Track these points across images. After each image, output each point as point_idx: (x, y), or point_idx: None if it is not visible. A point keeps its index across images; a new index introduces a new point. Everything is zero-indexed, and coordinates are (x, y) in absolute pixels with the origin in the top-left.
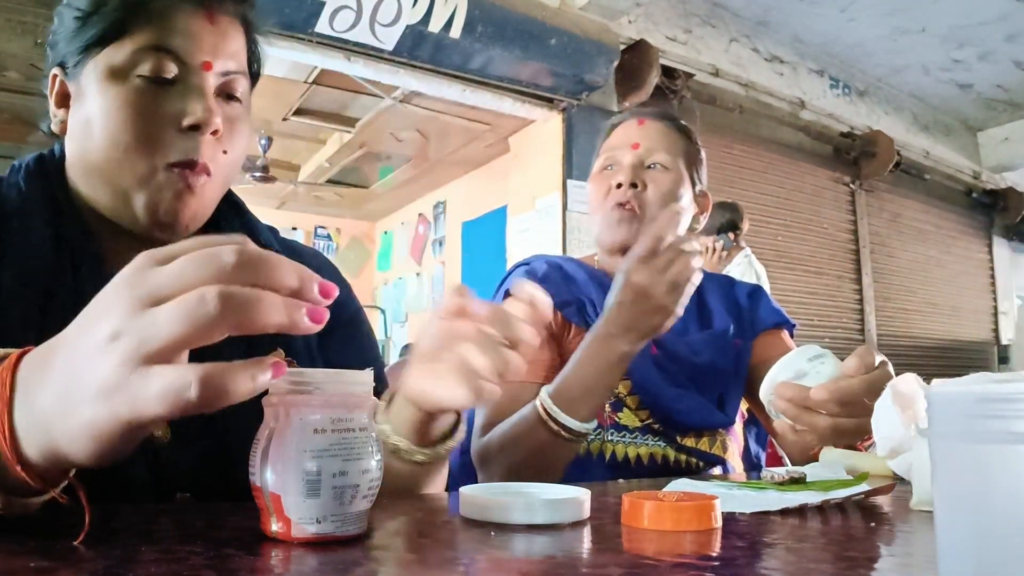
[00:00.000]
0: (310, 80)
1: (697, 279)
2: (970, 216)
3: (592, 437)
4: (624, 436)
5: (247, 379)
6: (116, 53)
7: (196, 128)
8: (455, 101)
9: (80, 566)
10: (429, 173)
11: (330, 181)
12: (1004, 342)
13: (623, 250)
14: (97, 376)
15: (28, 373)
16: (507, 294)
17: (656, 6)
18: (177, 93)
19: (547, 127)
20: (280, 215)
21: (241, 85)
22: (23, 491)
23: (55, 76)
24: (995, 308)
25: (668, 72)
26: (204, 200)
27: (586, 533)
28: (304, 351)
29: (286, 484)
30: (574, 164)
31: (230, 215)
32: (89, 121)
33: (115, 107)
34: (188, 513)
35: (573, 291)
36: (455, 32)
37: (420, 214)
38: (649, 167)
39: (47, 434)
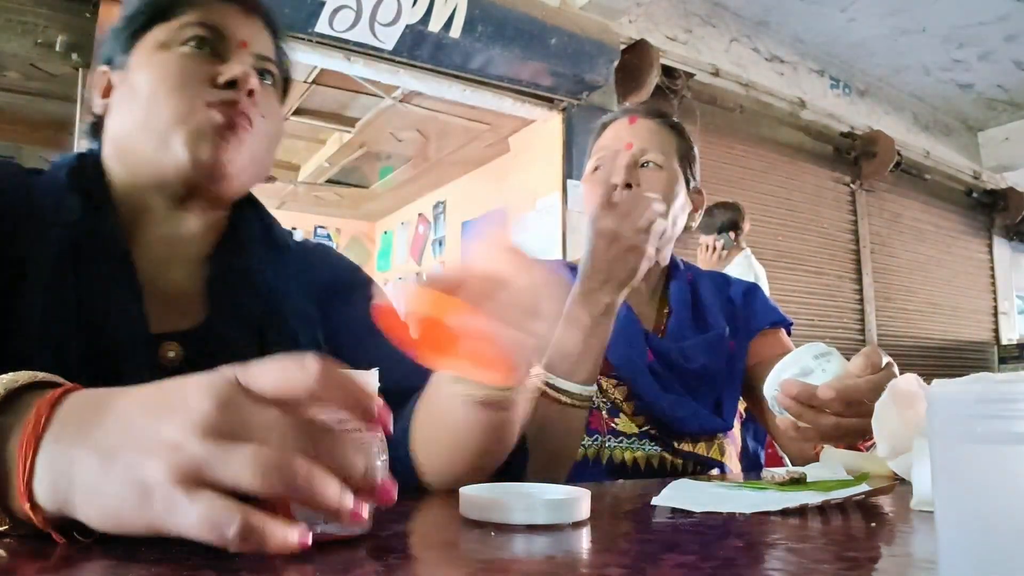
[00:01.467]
0: (310, 80)
1: (660, 226)
2: (970, 216)
3: (590, 443)
4: (622, 441)
5: (280, 538)
6: (161, 32)
7: (233, 84)
8: (455, 101)
9: (80, 566)
10: (429, 173)
11: (330, 181)
12: (1004, 342)
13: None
14: (137, 472)
15: (68, 418)
16: None
17: (656, 6)
18: (217, 60)
19: (547, 127)
20: (280, 215)
21: (274, 70)
22: (25, 525)
23: (103, 72)
24: (995, 308)
25: (668, 72)
26: (244, 149)
27: (586, 533)
28: (311, 345)
29: None
30: (574, 164)
31: (250, 215)
32: (134, 87)
33: (159, 68)
34: None
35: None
36: (455, 32)
37: (420, 214)
38: (643, 166)
39: (66, 491)
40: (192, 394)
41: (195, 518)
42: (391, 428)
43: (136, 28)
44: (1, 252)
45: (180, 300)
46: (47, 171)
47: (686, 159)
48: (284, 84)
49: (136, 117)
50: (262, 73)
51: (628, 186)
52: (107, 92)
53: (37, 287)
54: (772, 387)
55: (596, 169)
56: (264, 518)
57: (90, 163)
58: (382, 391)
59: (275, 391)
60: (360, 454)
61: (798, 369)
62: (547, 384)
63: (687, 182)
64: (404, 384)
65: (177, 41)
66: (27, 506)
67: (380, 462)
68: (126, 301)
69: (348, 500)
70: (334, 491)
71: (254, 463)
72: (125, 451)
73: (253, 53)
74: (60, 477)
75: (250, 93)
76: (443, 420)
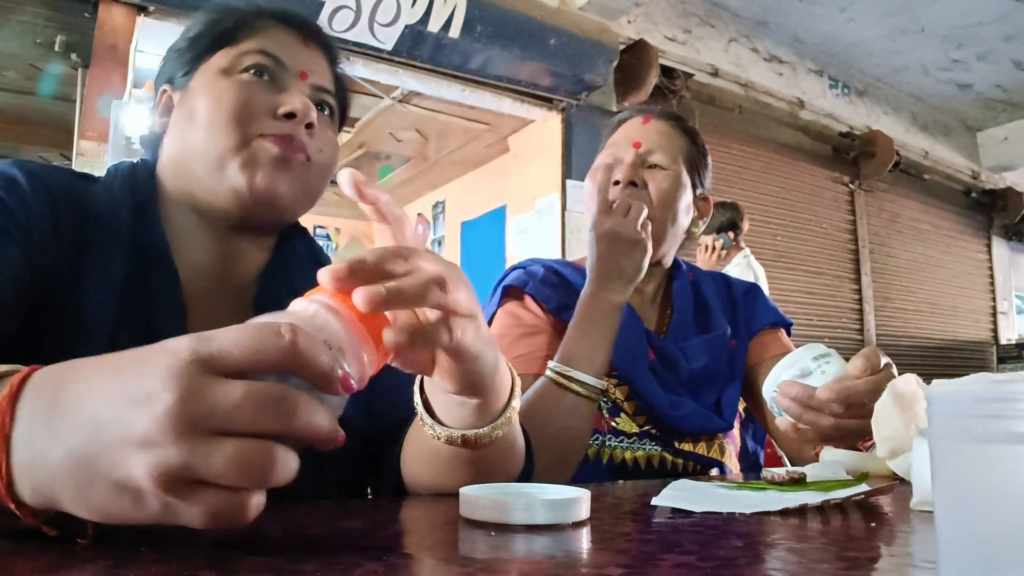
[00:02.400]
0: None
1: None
2: (969, 216)
3: (591, 442)
4: (622, 441)
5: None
6: (223, 57)
7: (292, 116)
8: (454, 101)
9: (80, 566)
10: (428, 173)
11: (330, 181)
12: (1003, 342)
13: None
14: (118, 472)
15: (33, 410)
16: (505, 291)
17: (655, 6)
18: (276, 90)
19: (546, 127)
20: None
21: (332, 103)
22: (15, 517)
23: (163, 91)
24: (994, 308)
25: (667, 72)
26: (299, 182)
27: (586, 533)
28: None
29: None
30: (573, 164)
31: (296, 238)
32: (193, 111)
33: (219, 94)
34: None
35: (572, 296)
36: (454, 32)
37: (419, 214)
38: (649, 166)
39: (51, 492)
40: (154, 383)
41: (198, 516)
42: (357, 386)
43: (199, 51)
44: (63, 262)
45: (225, 321)
46: (102, 179)
47: (695, 165)
48: (342, 113)
49: (194, 141)
50: (320, 105)
51: (633, 184)
52: (166, 111)
53: (91, 298)
54: (771, 388)
55: (604, 165)
56: (261, 496)
57: (144, 176)
58: (391, 421)
59: (247, 363)
60: (328, 415)
61: (797, 370)
62: (563, 376)
63: (694, 187)
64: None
65: (238, 68)
66: (12, 505)
67: (341, 405)
68: (170, 321)
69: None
70: (294, 466)
71: (234, 461)
72: (101, 453)
73: (312, 84)
74: (41, 481)
75: (308, 126)
76: (423, 458)
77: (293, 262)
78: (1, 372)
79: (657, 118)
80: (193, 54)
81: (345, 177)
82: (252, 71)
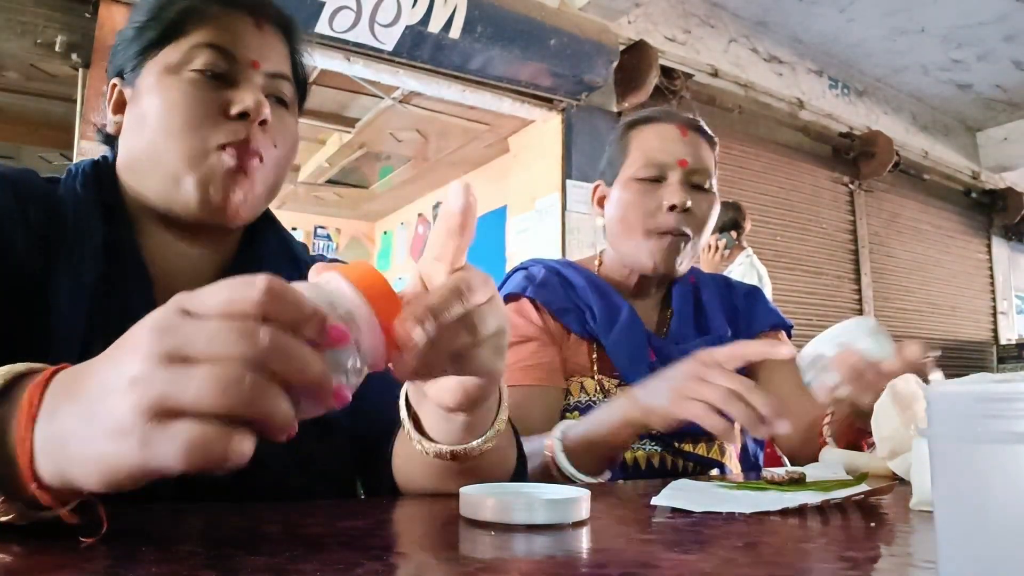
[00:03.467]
0: (309, 80)
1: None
2: (969, 216)
3: None
4: None
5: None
6: (172, 53)
7: (245, 116)
8: (455, 101)
9: (80, 566)
10: (429, 173)
11: (330, 181)
12: (1003, 342)
13: (667, 277)
14: (111, 416)
15: (56, 392)
16: (505, 298)
17: (655, 6)
18: (227, 86)
19: (546, 127)
20: (280, 215)
21: (287, 89)
22: (37, 506)
23: (114, 85)
24: (994, 308)
25: (667, 72)
26: (255, 187)
27: (586, 533)
28: None
29: None
30: (573, 164)
31: (266, 229)
32: (144, 114)
33: (169, 97)
34: (188, 513)
35: (572, 298)
36: (455, 32)
37: (420, 214)
38: (693, 186)
39: (62, 458)
40: (138, 330)
41: (178, 448)
42: (349, 338)
43: (146, 45)
44: (31, 262)
45: None
46: (64, 179)
47: (715, 173)
48: (302, 91)
49: (146, 148)
50: (278, 96)
51: (686, 210)
52: (118, 108)
53: (62, 301)
54: (823, 349)
55: (647, 179)
56: (245, 430)
57: (105, 172)
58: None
59: (221, 310)
60: (318, 360)
61: (852, 339)
62: (555, 463)
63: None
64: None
65: (186, 66)
66: (33, 486)
67: (350, 368)
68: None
69: (314, 401)
70: (285, 408)
71: (210, 382)
72: (98, 401)
73: (266, 73)
74: (55, 447)
75: (262, 123)
76: (414, 467)
77: (263, 254)
78: (38, 368)
79: (691, 129)
80: (140, 47)
81: (458, 194)
82: (201, 68)
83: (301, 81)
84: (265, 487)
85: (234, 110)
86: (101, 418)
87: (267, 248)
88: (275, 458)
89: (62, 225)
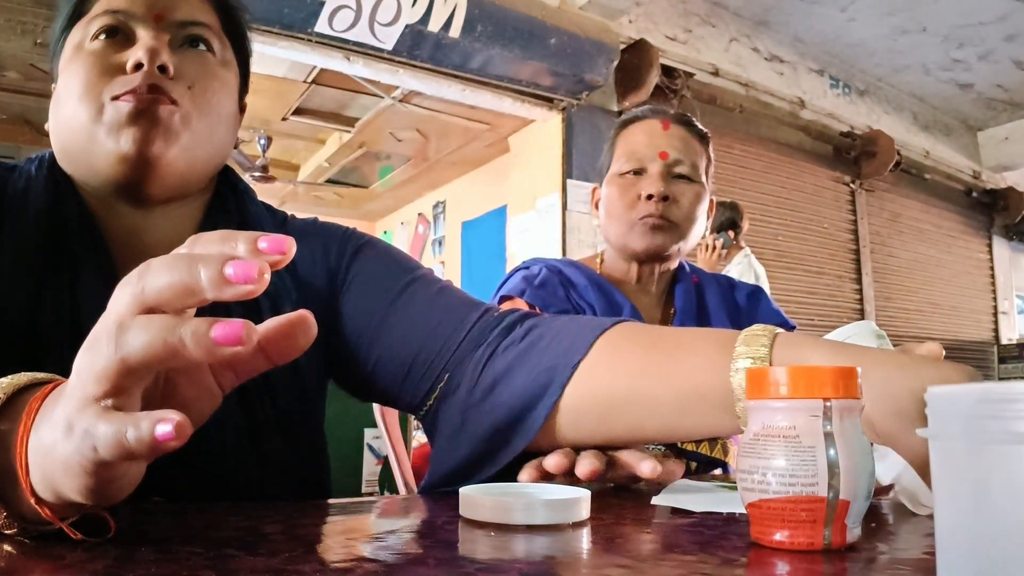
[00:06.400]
0: (309, 80)
1: None
2: (970, 216)
3: None
4: None
5: (229, 333)
6: (76, 32)
7: (140, 67)
8: (455, 101)
9: (80, 566)
10: (429, 173)
11: (330, 181)
12: (1004, 342)
13: (655, 257)
14: (64, 415)
15: (46, 405)
16: (502, 300)
17: (656, 5)
18: (127, 47)
19: (547, 127)
20: None
21: (209, 36)
22: (40, 520)
23: (54, 85)
24: (995, 308)
25: (668, 72)
26: (177, 132)
27: (586, 533)
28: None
29: (856, 489)
30: (574, 164)
31: (225, 191)
32: (58, 95)
33: (71, 71)
34: (188, 513)
35: (572, 297)
36: (455, 32)
37: (420, 214)
38: (675, 176)
39: (48, 471)
40: (100, 326)
41: (147, 339)
42: (291, 251)
43: (61, 29)
44: None
45: None
46: (20, 165)
47: (708, 168)
48: (239, 44)
49: (62, 127)
50: (193, 41)
51: (665, 199)
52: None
53: (12, 278)
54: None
55: (628, 173)
56: (204, 321)
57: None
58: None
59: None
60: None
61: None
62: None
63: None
64: (441, 334)
65: (88, 38)
66: (33, 500)
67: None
68: (97, 288)
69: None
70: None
71: (161, 266)
72: (61, 409)
73: (173, 22)
74: (42, 460)
75: (162, 69)
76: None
77: (223, 223)
78: (41, 380)
79: (675, 123)
80: (56, 36)
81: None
82: (101, 36)
83: (233, 30)
84: (221, 481)
85: (129, 65)
86: (59, 419)
87: (228, 216)
88: (233, 451)
89: (9, 201)
